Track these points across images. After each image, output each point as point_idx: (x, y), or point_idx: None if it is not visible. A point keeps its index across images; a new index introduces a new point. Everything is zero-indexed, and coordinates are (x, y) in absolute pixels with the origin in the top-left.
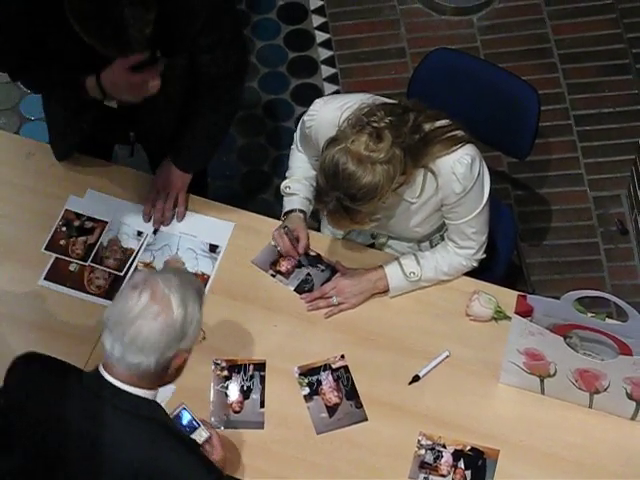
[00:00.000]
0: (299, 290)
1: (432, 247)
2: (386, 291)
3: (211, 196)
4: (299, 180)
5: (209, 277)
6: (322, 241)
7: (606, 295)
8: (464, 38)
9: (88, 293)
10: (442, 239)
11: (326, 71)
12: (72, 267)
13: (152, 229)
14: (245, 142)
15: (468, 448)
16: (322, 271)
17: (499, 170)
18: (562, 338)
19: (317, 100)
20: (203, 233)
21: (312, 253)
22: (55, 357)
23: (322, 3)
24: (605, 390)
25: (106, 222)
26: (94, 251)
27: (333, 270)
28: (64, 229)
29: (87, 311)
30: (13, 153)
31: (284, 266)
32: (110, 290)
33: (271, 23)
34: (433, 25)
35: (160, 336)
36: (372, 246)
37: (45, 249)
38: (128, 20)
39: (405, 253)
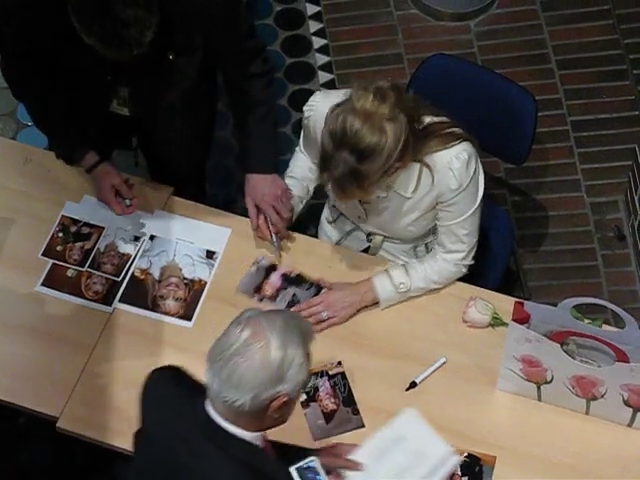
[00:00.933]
0: None
1: (428, 252)
2: (376, 303)
3: (208, 202)
4: (296, 178)
5: (206, 283)
6: (317, 246)
7: (603, 302)
8: (461, 44)
9: (85, 299)
10: (434, 239)
11: (323, 77)
12: (69, 273)
13: (149, 234)
14: None
15: (465, 454)
16: (307, 289)
17: (496, 176)
18: (559, 345)
19: (317, 92)
20: (200, 239)
21: (293, 274)
22: (188, 374)
23: (319, 9)
24: (602, 397)
25: (103, 227)
26: (91, 256)
27: (318, 287)
28: (61, 235)
29: (85, 317)
30: (10, 159)
31: (269, 290)
32: (107, 295)
33: (268, 29)
34: (430, 31)
35: (256, 375)
36: (367, 250)
37: (42, 255)
38: (130, 21)
39: (399, 257)
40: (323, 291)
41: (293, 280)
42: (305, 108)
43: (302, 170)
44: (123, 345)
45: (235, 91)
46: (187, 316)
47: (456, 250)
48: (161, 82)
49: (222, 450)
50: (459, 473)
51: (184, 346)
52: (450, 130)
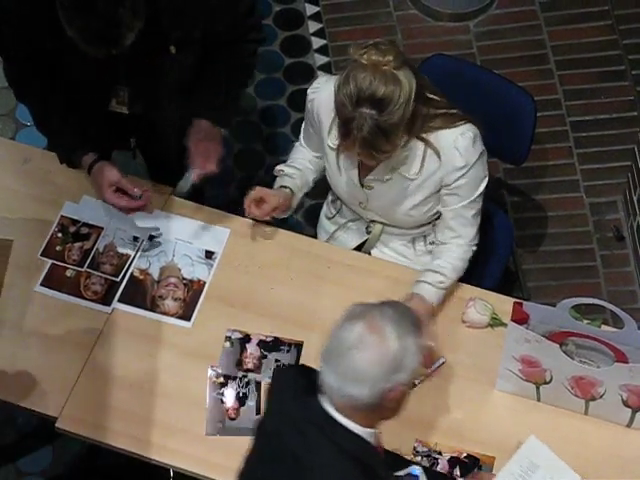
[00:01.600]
0: None
1: (426, 244)
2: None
3: (207, 202)
4: (296, 167)
5: (205, 283)
6: (316, 246)
7: (602, 302)
8: (460, 44)
9: (84, 299)
10: (434, 232)
11: None
12: (68, 273)
13: (147, 235)
14: (241, 148)
15: (464, 455)
16: (288, 351)
17: (495, 176)
18: (558, 345)
19: (321, 75)
20: (199, 239)
21: (269, 339)
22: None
23: (318, 9)
24: (601, 397)
25: (102, 228)
26: (90, 257)
27: (297, 348)
28: (60, 235)
29: (84, 317)
30: (9, 159)
31: (250, 362)
32: (107, 295)
33: (267, 29)
34: (429, 31)
35: (374, 367)
36: (362, 246)
37: (41, 255)
38: (112, 21)
39: (397, 251)
40: None
41: (271, 346)
42: (309, 91)
43: (302, 162)
44: (122, 345)
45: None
46: (186, 316)
47: (466, 234)
48: (161, 77)
49: (336, 445)
50: (458, 474)
51: (183, 346)
52: (453, 111)
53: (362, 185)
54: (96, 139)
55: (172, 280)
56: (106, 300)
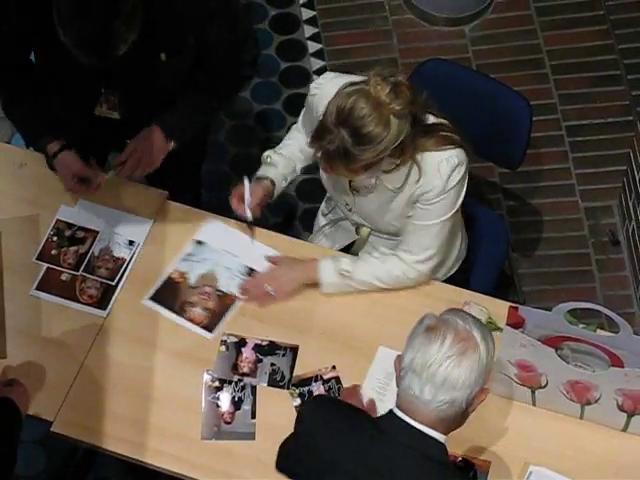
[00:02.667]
0: (273, 384)
1: None
2: (317, 284)
3: (203, 206)
4: (283, 155)
5: (237, 298)
6: (304, 248)
7: (597, 307)
8: (456, 49)
9: (80, 303)
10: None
11: None
12: (64, 277)
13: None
14: (237, 152)
15: (459, 459)
16: (283, 355)
17: (491, 180)
18: (553, 350)
19: (327, 72)
20: (246, 255)
21: (265, 343)
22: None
23: (314, 13)
24: (596, 401)
25: (97, 232)
26: (86, 260)
27: (293, 352)
28: (55, 239)
29: (79, 320)
30: (5, 163)
31: (246, 367)
32: (102, 299)
33: (263, 33)
34: (425, 36)
35: (472, 373)
36: (351, 246)
37: (36, 259)
38: (105, 32)
39: (386, 253)
40: (270, 265)
41: (266, 350)
42: (312, 85)
43: (292, 149)
44: (117, 349)
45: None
46: (210, 327)
47: (415, 252)
48: (152, 83)
49: (425, 457)
50: None
51: (178, 349)
52: (448, 134)
53: (350, 187)
54: (91, 141)
55: (207, 289)
56: (102, 304)
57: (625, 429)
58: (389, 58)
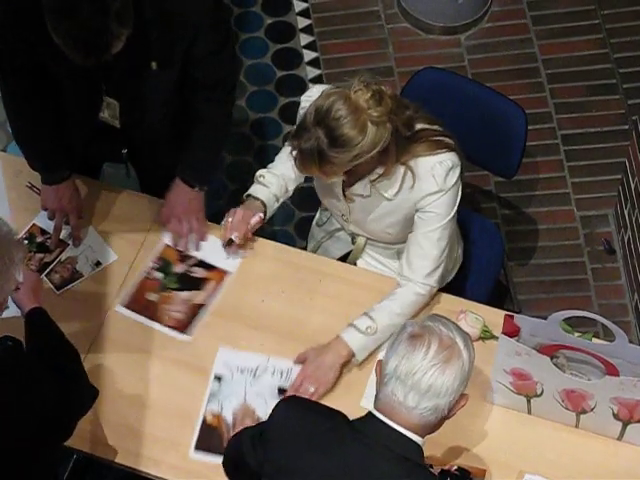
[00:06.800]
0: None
1: None
2: (352, 356)
3: None
4: (276, 175)
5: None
6: (301, 257)
7: (592, 315)
8: (452, 57)
9: None
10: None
11: None
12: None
13: (213, 375)
14: (233, 160)
15: (455, 468)
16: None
17: (486, 189)
18: (549, 358)
19: (318, 85)
20: (270, 375)
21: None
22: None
23: (310, 22)
24: (592, 410)
25: (68, 244)
26: (48, 269)
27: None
28: (25, 243)
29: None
30: (0, 171)
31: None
32: None
33: (259, 41)
34: (421, 44)
35: (454, 380)
36: (347, 256)
37: None
38: (95, 29)
39: (382, 262)
40: (300, 367)
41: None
42: (302, 98)
43: (285, 168)
44: (114, 358)
45: (197, 100)
46: None
47: (420, 267)
48: (144, 92)
49: (411, 462)
50: None
51: (176, 358)
52: (440, 138)
53: (345, 196)
54: (87, 150)
55: (248, 422)
56: None
57: (620, 438)
58: (385, 67)
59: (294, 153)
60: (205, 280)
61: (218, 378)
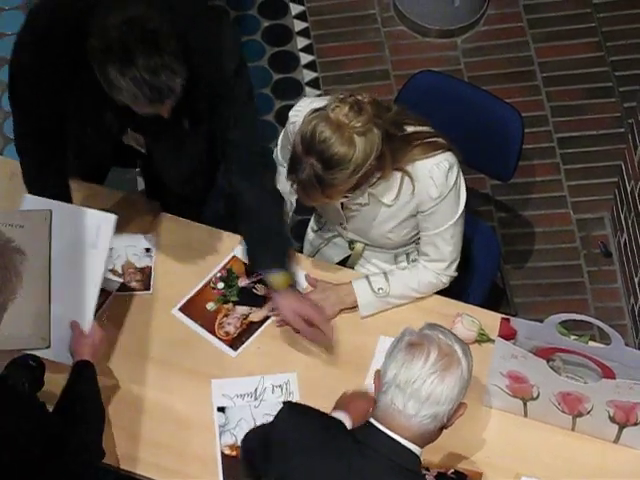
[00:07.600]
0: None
1: (408, 261)
2: (355, 307)
3: (197, 219)
4: (283, 192)
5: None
6: (300, 260)
7: (589, 318)
8: (448, 60)
9: None
10: (418, 252)
11: (311, 93)
12: None
13: (216, 406)
14: None
15: (451, 471)
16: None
17: (483, 192)
18: (545, 361)
19: (305, 98)
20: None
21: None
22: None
23: (307, 25)
24: (588, 413)
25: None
26: None
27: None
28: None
29: None
30: None
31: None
32: None
33: (256, 44)
34: (417, 47)
35: (453, 388)
36: (346, 260)
37: None
38: (157, 67)
39: (380, 267)
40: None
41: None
42: (291, 113)
43: (283, 185)
44: (115, 364)
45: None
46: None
47: (438, 259)
48: (177, 151)
49: (410, 471)
50: None
51: (180, 364)
52: (433, 140)
53: (342, 206)
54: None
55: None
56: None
57: (617, 441)
58: (381, 70)
59: (294, 187)
60: (267, 299)
61: (221, 409)
